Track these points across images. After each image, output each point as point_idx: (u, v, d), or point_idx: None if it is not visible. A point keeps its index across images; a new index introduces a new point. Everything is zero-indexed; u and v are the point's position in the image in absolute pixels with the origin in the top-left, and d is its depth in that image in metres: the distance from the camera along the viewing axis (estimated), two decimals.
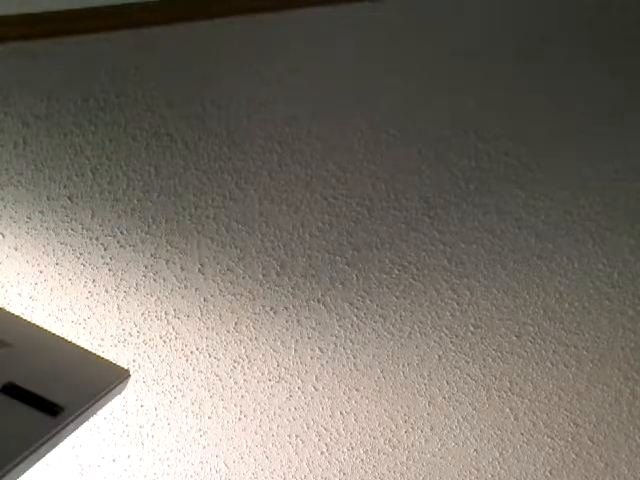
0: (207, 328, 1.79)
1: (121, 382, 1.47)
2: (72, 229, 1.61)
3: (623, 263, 1.75)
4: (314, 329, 1.82)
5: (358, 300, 1.78)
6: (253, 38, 1.42)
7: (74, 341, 1.61)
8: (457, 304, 1.80)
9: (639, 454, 2.09)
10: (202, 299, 1.74)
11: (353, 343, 1.85)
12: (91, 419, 1.36)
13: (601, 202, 1.66)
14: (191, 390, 1.91)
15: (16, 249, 1.63)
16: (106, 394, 1.40)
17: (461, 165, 1.59)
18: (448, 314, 1.81)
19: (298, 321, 1.80)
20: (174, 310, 1.75)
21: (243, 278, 1.72)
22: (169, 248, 1.66)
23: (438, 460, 2.10)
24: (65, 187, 1.56)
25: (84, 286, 1.70)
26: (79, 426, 1.32)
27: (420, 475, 2.14)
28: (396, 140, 1.55)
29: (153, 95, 1.46)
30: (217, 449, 2.06)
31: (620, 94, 1.54)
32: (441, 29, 1.47)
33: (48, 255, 1.64)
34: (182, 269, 1.69)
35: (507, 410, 2.00)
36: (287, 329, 1.81)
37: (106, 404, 1.41)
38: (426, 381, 1.93)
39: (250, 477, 2.14)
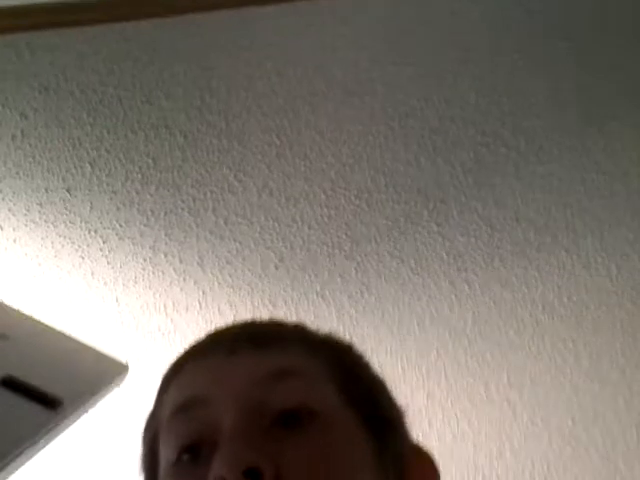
0: (206, 321, 1.79)
1: (119, 375, 1.47)
2: (70, 221, 1.61)
3: (622, 257, 1.75)
4: (313, 322, 1.81)
5: (357, 293, 1.78)
6: (252, 30, 1.42)
7: (72, 334, 1.61)
8: (455, 297, 1.80)
9: (636, 450, 2.10)
10: (201, 292, 1.74)
11: (351, 336, 1.84)
12: (89, 412, 1.36)
13: (600, 196, 1.66)
14: None
15: (14, 241, 1.62)
16: (104, 387, 1.40)
17: (460, 158, 1.59)
18: (446, 308, 1.81)
19: (297, 314, 1.80)
20: (173, 303, 1.75)
21: (242, 271, 1.72)
22: (168, 241, 1.65)
23: (435, 455, 2.10)
24: (63, 179, 1.55)
25: (82, 279, 1.69)
26: (77, 419, 1.32)
27: None
28: (395, 133, 1.55)
29: (151, 87, 1.46)
30: None
31: (621, 89, 1.54)
32: (441, 23, 1.47)
33: (46, 247, 1.63)
34: (181, 262, 1.68)
35: (505, 405, 2.00)
36: None
37: (104, 398, 1.41)
38: (424, 376, 1.93)
39: None
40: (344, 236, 1.68)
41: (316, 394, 0.62)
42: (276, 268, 1.72)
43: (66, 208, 1.59)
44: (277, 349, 0.65)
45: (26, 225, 1.60)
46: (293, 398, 0.60)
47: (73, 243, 1.64)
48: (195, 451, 0.59)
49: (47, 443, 1.24)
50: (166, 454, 0.62)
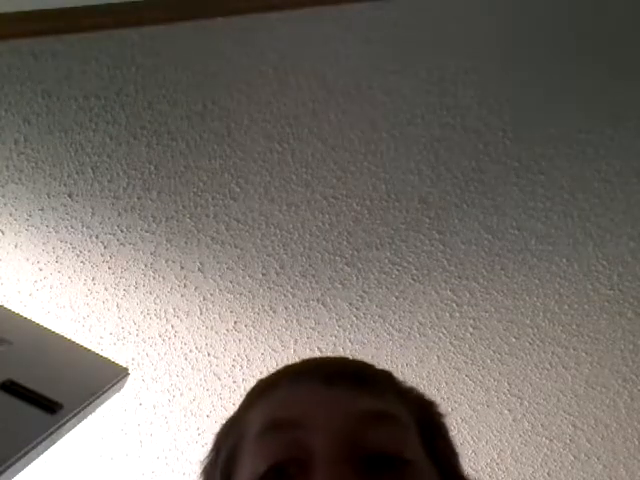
0: (206, 327, 1.79)
1: (120, 380, 1.47)
2: (72, 227, 1.61)
3: (623, 265, 1.75)
4: (313, 329, 1.82)
5: (357, 300, 1.78)
6: (254, 37, 1.42)
7: (73, 339, 1.61)
8: (456, 305, 1.80)
9: (637, 456, 2.09)
10: (202, 298, 1.74)
11: (352, 343, 1.85)
12: (89, 417, 1.36)
13: (601, 204, 1.66)
14: (190, 389, 1.91)
15: (16, 246, 1.63)
16: (105, 392, 1.40)
17: (461, 166, 1.59)
18: (447, 315, 1.81)
19: (297, 321, 1.80)
20: (173, 309, 1.75)
21: (243, 277, 1.72)
22: (169, 247, 1.65)
23: None
24: (65, 185, 1.56)
25: (84, 284, 1.70)
26: (78, 424, 1.33)
27: None
28: (396, 140, 1.55)
29: (154, 93, 1.46)
30: None
31: (620, 95, 1.54)
32: (442, 29, 1.47)
33: (48, 253, 1.64)
34: (182, 268, 1.69)
35: (506, 411, 2.00)
36: (286, 329, 1.82)
37: (105, 402, 1.42)
38: (425, 382, 1.93)
39: None
40: (345, 243, 1.68)
41: (410, 443, 0.64)
42: (277, 274, 1.72)
43: (67, 213, 1.59)
44: (373, 391, 0.66)
45: (27, 230, 1.60)
46: (391, 443, 0.62)
47: (74, 248, 1.64)
48: (282, 470, 0.61)
49: (47, 447, 1.24)
50: (252, 467, 0.63)
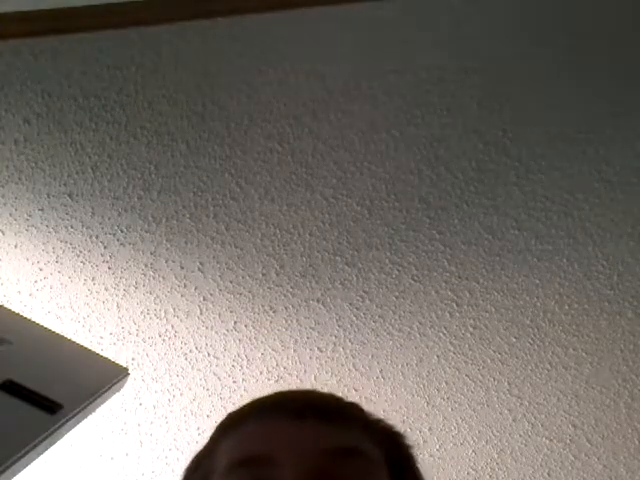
0: (206, 327, 1.79)
1: (120, 380, 1.47)
2: (72, 227, 1.61)
3: (623, 265, 1.75)
4: (313, 329, 1.82)
5: (357, 300, 1.78)
6: (254, 37, 1.42)
7: (73, 339, 1.61)
8: (456, 305, 1.80)
9: (637, 456, 2.09)
10: (202, 298, 1.74)
11: (352, 343, 1.85)
12: (89, 417, 1.36)
13: (601, 204, 1.66)
14: (190, 389, 1.91)
15: (16, 246, 1.63)
16: (105, 392, 1.40)
17: (461, 166, 1.59)
18: (447, 315, 1.81)
19: (297, 321, 1.80)
20: (173, 309, 1.75)
21: (243, 277, 1.72)
22: (169, 246, 1.66)
23: (436, 461, 2.10)
24: (65, 185, 1.56)
25: (84, 284, 1.70)
26: (77, 424, 1.33)
27: None
28: (396, 140, 1.55)
29: (154, 93, 1.46)
30: None
31: (620, 95, 1.54)
32: (441, 29, 1.47)
33: (48, 253, 1.64)
34: (182, 268, 1.69)
35: (506, 411, 2.00)
36: (286, 329, 1.81)
37: (105, 402, 1.42)
38: (425, 382, 1.93)
39: None
40: (345, 243, 1.68)
41: (378, 478, 0.65)
42: (277, 274, 1.72)
43: (67, 213, 1.59)
44: (341, 425, 0.67)
45: (27, 230, 1.60)
46: (359, 478, 0.63)
47: (74, 248, 1.64)
48: None
49: (47, 447, 1.24)
50: None
